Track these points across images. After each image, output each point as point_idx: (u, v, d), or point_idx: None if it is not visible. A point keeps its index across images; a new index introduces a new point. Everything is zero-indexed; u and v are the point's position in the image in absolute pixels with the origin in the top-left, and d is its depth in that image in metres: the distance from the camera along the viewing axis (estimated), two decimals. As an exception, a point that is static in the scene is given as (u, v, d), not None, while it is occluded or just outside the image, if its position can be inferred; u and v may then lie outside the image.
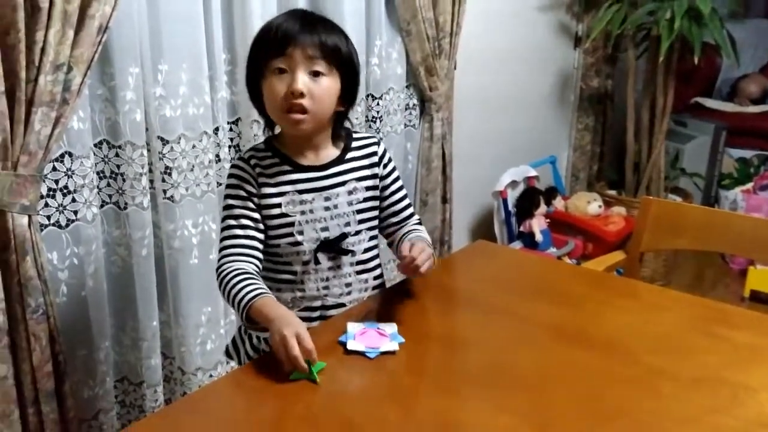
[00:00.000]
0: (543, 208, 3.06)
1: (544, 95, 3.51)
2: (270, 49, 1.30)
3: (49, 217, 1.70)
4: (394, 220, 1.51)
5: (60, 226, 1.73)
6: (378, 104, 2.42)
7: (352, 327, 1.31)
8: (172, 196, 1.90)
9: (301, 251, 1.40)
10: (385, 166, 1.48)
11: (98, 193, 1.80)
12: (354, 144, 1.45)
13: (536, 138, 3.45)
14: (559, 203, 3.23)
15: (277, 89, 1.30)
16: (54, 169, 1.68)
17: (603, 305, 1.43)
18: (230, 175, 1.41)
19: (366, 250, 1.46)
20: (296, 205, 1.38)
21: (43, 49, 1.48)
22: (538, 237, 2.96)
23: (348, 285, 1.44)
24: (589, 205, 3.19)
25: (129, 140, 1.78)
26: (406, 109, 2.58)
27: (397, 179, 1.51)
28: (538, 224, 3.00)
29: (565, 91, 3.64)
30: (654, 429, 1.05)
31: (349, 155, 1.44)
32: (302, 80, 1.28)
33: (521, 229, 3.04)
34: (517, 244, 3.02)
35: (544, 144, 3.51)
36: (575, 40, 3.56)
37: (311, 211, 1.39)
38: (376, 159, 1.46)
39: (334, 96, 1.34)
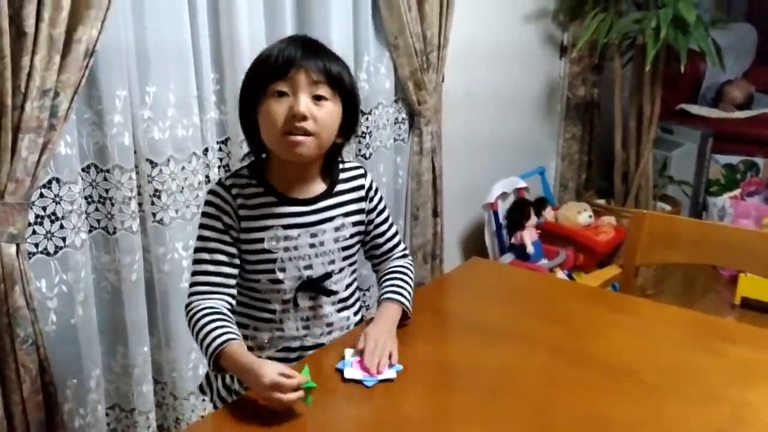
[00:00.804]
0: (533, 219, 3.05)
1: (532, 105, 3.51)
2: (271, 73, 1.22)
3: (36, 245, 1.67)
4: (377, 252, 1.47)
5: (48, 254, 1.70)
6: (367, 119, 2.41)
7: (349, 353, 1.27)
8: (161, 219, 1.87)
9: (281, 289, 1.33)
10: (371, 199, 1.41)
11: (86, 219, 1.78)
12: (342, 176, 1.38)
13: (525, 148, 3.45)
14: (549, 214, 3.23)
15: (277, 112, 1.22)
16: (41, 195, 1.66)
17: (601, 322, 1.42)
18: (207, 203, 1.31)
19: (348, 286, 1.40)
20: (280, 241, 1.30)
21: (29, 75, 1.47)
22: (530, 249, 2.95)
23: (329, 325, 1.38)
24: (579, 215, 3.19)
25: (117, 164, 1.76)
26: (395, 123, 2.57)
27: (383, 210, 1.45)
28: (529, 236, 2.99)
29: (552, 101, 3.64)
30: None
31: (337, 188, 1.37)
32: (305, 102, 1.21)
33: (512, 241, 3.04)
34: (509, 257, 3.01)
35: (533, 154, 3.51)
36: (561, 49, 3.57)
37: (295, 248, 1.31)
38: (363, 193, 1.40)
39: (336, 123, 1.27)
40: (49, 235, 1.69)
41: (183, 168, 1.88)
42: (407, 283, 1.42)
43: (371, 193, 1.41)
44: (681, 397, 1.16)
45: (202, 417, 1.53)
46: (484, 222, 3.04)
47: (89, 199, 1.78)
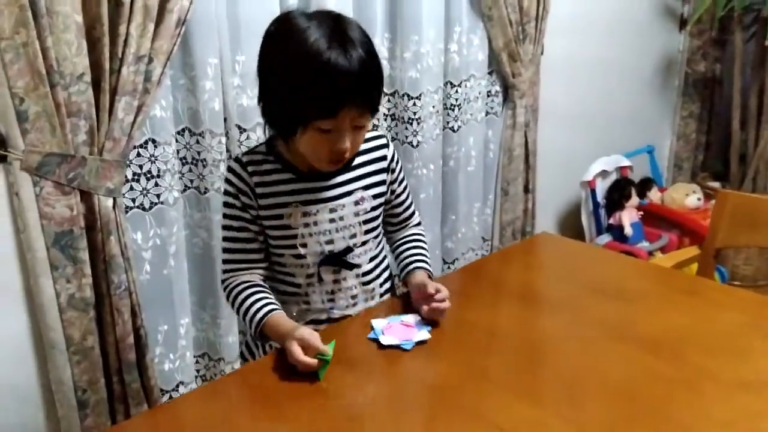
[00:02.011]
0: (635, 199, 2.93)
1: (644, 80, 3.35)
2: (317, 112, 1.16)
3: (134, 200, 1.83)
4: (394, 220, 1.48)
5: (144, 209, 1.85)
6: (456, 92, 2.41)
7: (377, 323, 1.30)
8: (249, 182, 1.98)
9: (304, 264, 1.33)
10: (394, 171, 1.39)
11: (180, 178, 1.91)
12: (362, 146, 1.32)
13: (632, 126, 3.31)
14: (654, 195, 3.09)
15: (321, 146, 1.20)
16: (138, 155, 1.80)
17: (660, 302, 1.37)
18: (226, 180, 1.32)
19: (372, 259, 1.39)
20: (299, 217, 1.29)
21: (125, 42, 1.59)
22: (628, 230, 2.85)
23: (354, 297, 1.38)
24: (687, 197, 3.03)
25: (208, 128, 1.87)
26: (488, 95, 2.55)
27: (402, 180, 1.43)
28: (628, 217, 2.88)
29: (669, 76, 3.46)
30: (690, 430, 1.01)
31: (357, 160, 1.34)
32: (349, 140, 1.20)
33: (610, 221, 2.94)
34: (605, 237, 2.92)
35: (641, 132, 3.36)
36: (680, 21, 3.38)
37: (315, 224, 1.31)
38: (385, 164, 1.37)
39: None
40: (145, 192, 1.84)
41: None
42: (426, 250, 1.45)
43: (393, 165, 1.39)
44: (723, 380, 1.11)
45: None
46: (581, 201, 2.96)
47: (183, 161, 1.91)
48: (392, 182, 1.41)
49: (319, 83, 1.13)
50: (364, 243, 1.37)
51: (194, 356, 2.06)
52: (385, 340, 1.25)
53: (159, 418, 1.12)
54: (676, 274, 1.60)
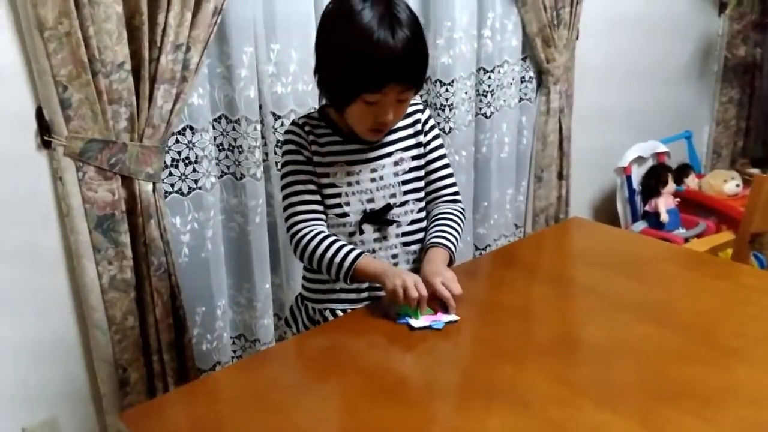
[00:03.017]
0: (671, 186, 2.90)
1: (682, 65, 3.30)
2: (364, 86, 1.27)
3: (172, 185, 1.88)
4: (429, 188, 1.50)
5: (182, 194, 1.90)
6: (490, 77, 2.41)
7: (405, 309, 1.31)
8: (283, 168, 2.02)
9: (347, 222, 1.42)
10: (427, 133, 1.47)
11: (217, 165, 1.96)
12: None
13: (670, 111, 3.27)
14: (692, 182, 3.05)
15: (365, 116, 1.32)
16: (177, 141, 1.85)
17: (693, 285, 1.37)
18: (287, 141, 1.44)
19: (413, 222, 1.46)
20: (344, 176, 1.40)
21: (164, 31, 1.63)
22: (664, 217, 2.82)
23: (395, 257, 1.45)
24: (725, 184, 2.99)
25: (244, 115, 1.91)
26: (521, 81, 2.55)
27: (437, 148, 1.48)
28: (664, 203, 2.86)
29: (707, 61, 3.41)
30: (717, 407, 1.01)
31: (397, 125, 1.43)
32: (392, 112, 1.32)
33: (646, 208, 2.91)
34: (641, 224, 2.89)
35: (679, 118, 3.31)
36: (720, 5, 3.32)
37: (357, 183, 1.41)
38: (419, 126, 1.46)
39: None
40: (183, 177, 1.89)
41: (304, 121, 2.00)
42: (454, 228, 1.45)
43: (426, 127, 1.47)
44: (755, 363, 1.11)
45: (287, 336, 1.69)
46: (617, 187, 2.94)
47: (220, 147, 1.96)
48: (426, 144, 1.47)
49: (367, 61, 1.25)
50: (403, 204, 1.44)
51: (231, 337, 2.11)
52: (415, 323, 1.27)
53: (197, 390, 1.16)
54: (710, 258, 1.59)
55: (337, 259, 1.36)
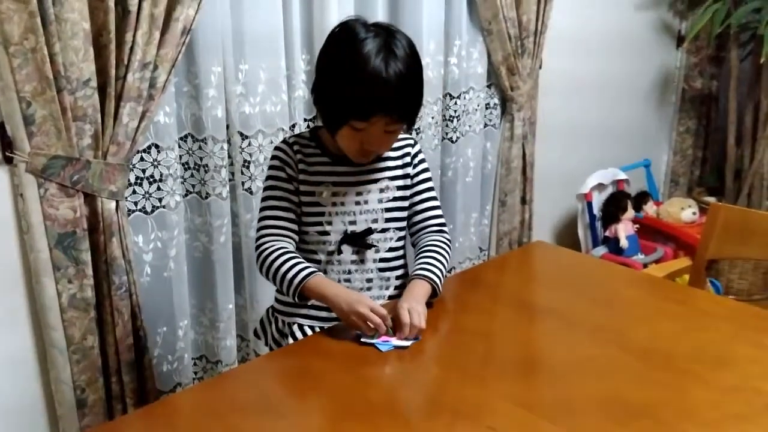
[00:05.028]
0: (630, 212, 2.97)
1: (641, 96, 3.40)
2: (352, 113, 1.32)
3: (136, 203, 1.86)
4: (413, 220, 1.53)
5: (146, 212, 1.88)
6: (456, 103, 2.45)
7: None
8: (249, 188, 2.02)
9: (327, 241, 1.45)
10: (415, 166, 1.51)
11: (182, 183, 1.95)
12: (393, 145, 1.47)
13: (630, 140, 3.35)
14: (650, 209, 3.13)
15: (352, 141, 1.37)
16: (142, 159, 1.83)
17: (650, 310, 1.40)
18: (273, 157, 1.48)
19: (391, 249, 1.49)
20: (329, 196, 1.44)
21: (131, 49, 1.63)
22: (624, 243, 2.88)
23: (369, 281, 1.47)
24: (683, 211, 3.07)
25: (211, 134, 1.90)
26: (486, 108, 2.59)
27: (425, 181, 1.52)
28: (624, 229, 2.92)
29: (666, 92, 3.51)
30: (675, 430, 1.03)
31: (387, 154, 1.48)
32: (378, 143, 1.36)
33: (606, 233, 2.97)
34: (601, 250, 2.95)
35: (638, 146, 3.40)
36: (678, 38, 3.43)
37: (342, 204, 1.44)
38: (408, 159, 1.50)
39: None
40: (147, 195, 1.87)
41: (271, 141, 2.01)
42: (439, 260, 1.44)
43: (415, 160, 1.51)
44: (711, 384, 1.14)
45: (257, 355, 1.66)
46: (578, 213, 2.99)
47: (185, 166, 1.95)
48: (413, 176, 1.50)
49: (357, 88, 1.30)
50: (384, 231, 1.47)
51: (192, 358, 2.09)
52: (382, 346, 1.27)
53: (156, 412, 1.14)
54: (667, 283, 1.63)
55: (290, 274, 1.37)
